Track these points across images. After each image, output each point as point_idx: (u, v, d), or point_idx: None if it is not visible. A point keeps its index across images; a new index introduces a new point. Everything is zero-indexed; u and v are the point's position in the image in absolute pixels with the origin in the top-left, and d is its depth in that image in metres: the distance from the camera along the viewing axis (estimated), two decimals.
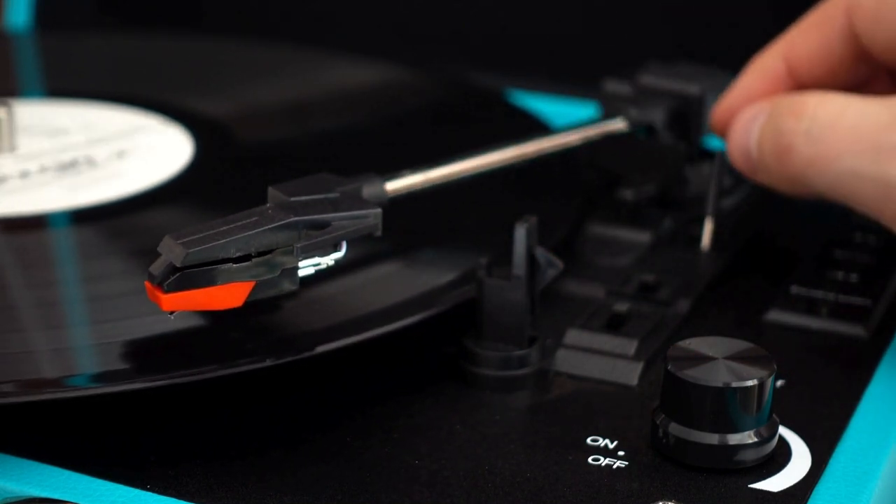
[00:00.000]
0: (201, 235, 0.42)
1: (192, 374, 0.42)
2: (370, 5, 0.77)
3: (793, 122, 0.49)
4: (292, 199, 0.44)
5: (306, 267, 0.44)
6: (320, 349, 0.44)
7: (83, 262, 0.50)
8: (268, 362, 0.43)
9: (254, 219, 0.43)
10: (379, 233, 0.45)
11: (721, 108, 0.54)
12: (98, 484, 0.42)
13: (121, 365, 0.44)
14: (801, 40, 0.53)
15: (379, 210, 0.45)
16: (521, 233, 0.46)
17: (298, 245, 0.43)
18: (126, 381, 0.42)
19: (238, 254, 0.42)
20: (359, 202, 0.45)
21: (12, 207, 0.53)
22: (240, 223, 0.43)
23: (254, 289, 0.43)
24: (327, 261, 0.44)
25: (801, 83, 0.53)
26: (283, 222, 0.43)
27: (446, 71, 0.70)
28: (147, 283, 0.42)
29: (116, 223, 0.52)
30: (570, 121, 0.55)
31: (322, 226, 0.44)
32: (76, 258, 0.51)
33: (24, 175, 0.56)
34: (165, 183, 0.55)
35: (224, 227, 0.42)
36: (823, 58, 0.52)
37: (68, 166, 0.57)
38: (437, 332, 0.48)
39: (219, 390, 0.45)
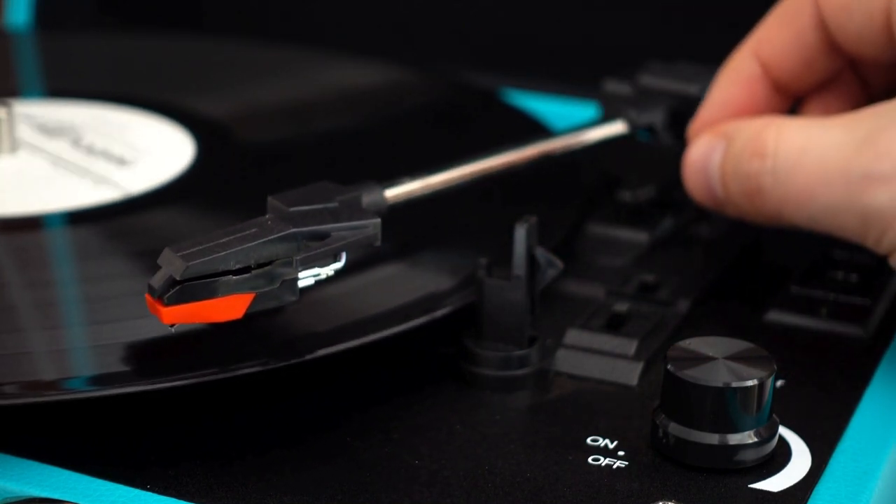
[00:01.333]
0: (201, 248, 0.42)
1: (193, 378, 0.42)
2: (370, 5, 0.77)
3: (756, 162, 0.48)
4: (291, 209, 0.44)
5: (306, 278, 0.44)
6: (321, 353, 0.44)
7: (84, 263, 0.50)
8: (269, 366, 0.43)
9: (253, 230, 0.43)
10: (378, 243, 0.45)
11: (700, 120, 0.53)
12: (98, 484, 0.42)
13: (121, 367, 0.44)
14: (771, 36, 0.52)
15: (378, 220, 0.45)
16: (521, 233, 0.46)
17: (298, 257, 0.43)
18: (126, 384, 0.42)
19: (238, 266, 0.42)
20: (358, 212, 0.45)
21: (12, 208, 0.53)
22: (239, 235, 0.43)
23: (254, 300, 0.43)
24: (327, 271, 0.44)
25: (778, 79, 0.52)
26: (282, 234, 0.43)
27: (445, 71, 0.70)
28: (147, 296, 0.42)
29: (116, 223, 0.52)
30: (569, 121, 0.55)
31: (322, 236, 0.44)
32: (77, 259, 0.50)
33: (24, 175, 0.56)
34: (166, 183, 0.55)
35: (224, 239, 0.42)
36: (797, 51, 0.51)
37: (68, 167, 0.57)
38: (437, 333, 0.48)
39: (219, 391, 0.45)
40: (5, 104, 0.58)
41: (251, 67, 0.67)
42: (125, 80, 0.66)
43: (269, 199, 0.45)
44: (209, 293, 0.42)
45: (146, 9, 0.81)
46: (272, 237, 0.43)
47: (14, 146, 0.58)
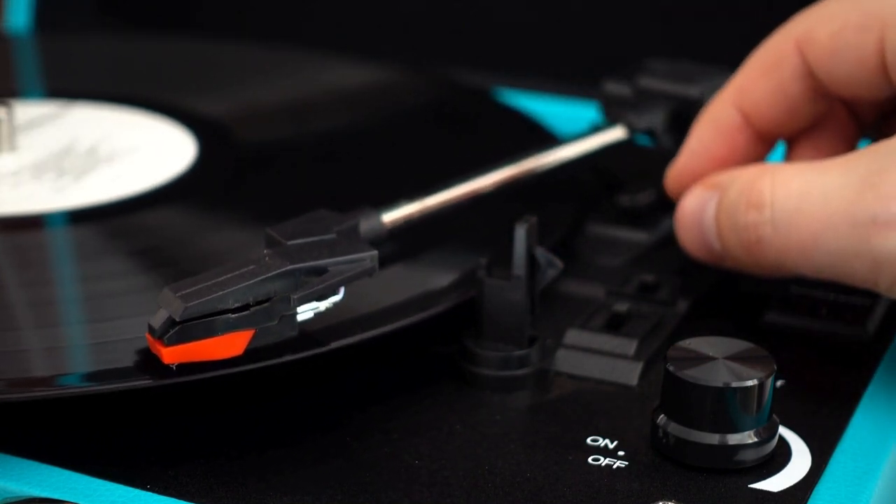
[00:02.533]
0: (199, 287, 0.42)
1: (194, 374, 0.42)
2: (370, 5, 0.78)
3: (753, 213, 0.46)
4: (289, 242, 0.44)
5: (305, 312, 0.44)
6: (321, 349, 0.44)
7: (84, 263, 0.50)
8: (267, 362, 0.43)
9: (251, 267, 0.43)
10: (376, 273, 0.45)
11: (676, 170, 0.52)
12: (98, 484, 0.42)
13: (120, 364, 0.44)
14: (754, 86, 0.50)
15: (375, 252, 0.45)
16: (520, 233, 0.46)
17: (295, 296, 0.43)
18: (125, 381, 0.42)
19: (236, 304, 0.42)
20: (355, 243, 0.45)
21: (12, 207, 0.53)
22: (237, 273, 0.42)
23: (254, 337, 0.43)
24: (326, 304, 0.44)
25: (760, 128, 0.51)
26: (280, 270, 0.43)
27: (445, 71, 0.70)
28: (148, 336, 0.42)
29: (116, 223, 0.52)
30: (568, 121, 0.55)
31: (320, 271, 0.44)
32: (77, 258, 0.50)
33: (24, 175, 0.56)
34: (166, 183, 0.55)
35: (222, 278, 0.42)
36: (780, 100, 0.50)
37: (68, 166, 0.57)
38: (436, 332, 0.48)
39: (219, 390, 0.45)
40: (5, 104, 0.58)
41: (251, 67, 0.67)
42: (125, 80, 0.66)
43: (267, 230, 0.45)
44: (209, 332, 0.42)
45: (146, 9, 0.82)
46: (270, 274, 0.43)
47: (14, 146, 0.58)
